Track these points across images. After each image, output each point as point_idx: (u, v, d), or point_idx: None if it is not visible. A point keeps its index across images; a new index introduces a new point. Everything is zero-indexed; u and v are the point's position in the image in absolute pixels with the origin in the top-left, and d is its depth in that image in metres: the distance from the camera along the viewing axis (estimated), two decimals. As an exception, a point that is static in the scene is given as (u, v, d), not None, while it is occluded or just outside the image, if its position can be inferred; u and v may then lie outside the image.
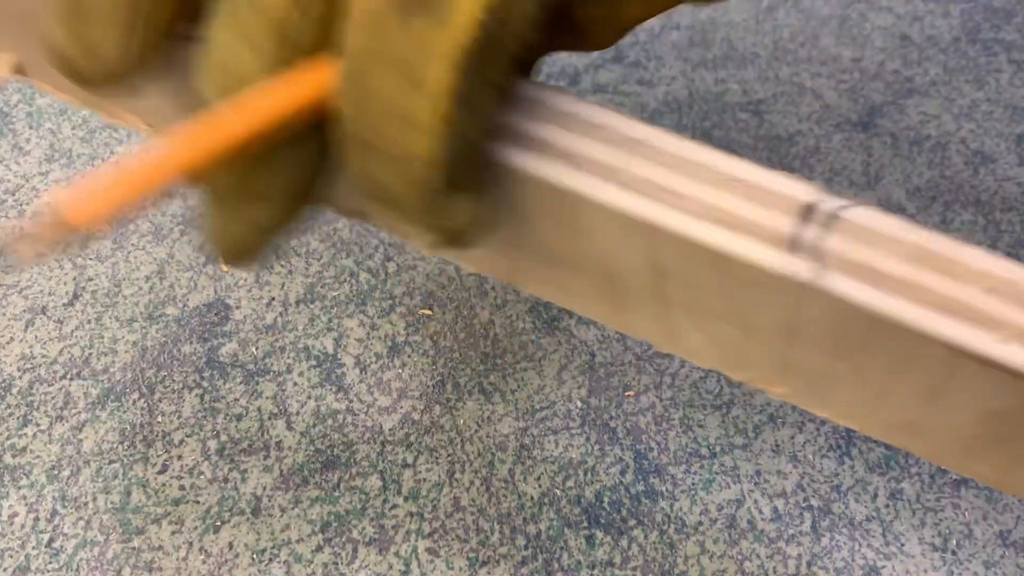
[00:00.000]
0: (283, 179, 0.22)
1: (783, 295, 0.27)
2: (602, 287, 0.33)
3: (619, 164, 0.26)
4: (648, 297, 0.32)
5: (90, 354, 0.43)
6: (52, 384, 0.42)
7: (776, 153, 0.51)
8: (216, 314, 0.44)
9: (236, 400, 0.42)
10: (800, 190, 0.25)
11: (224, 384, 0.42)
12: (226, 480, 0.39)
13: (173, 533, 0.38)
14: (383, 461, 0.40)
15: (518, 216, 0.30)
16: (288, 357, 0.43)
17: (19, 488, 0.39)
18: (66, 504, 0.39)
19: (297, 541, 0.38)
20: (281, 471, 0.39)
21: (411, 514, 0.38)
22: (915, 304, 0.24)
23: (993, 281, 0.23)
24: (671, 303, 0.32)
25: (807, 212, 0.25)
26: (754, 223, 0.25)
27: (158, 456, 0.40)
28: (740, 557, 0.37)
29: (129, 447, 0.40)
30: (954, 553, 0.38)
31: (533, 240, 0.32)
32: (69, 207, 0.22)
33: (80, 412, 0.41)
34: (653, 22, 0.58)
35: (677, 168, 0.25)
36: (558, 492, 0.39)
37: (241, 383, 0.42)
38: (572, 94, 0.24)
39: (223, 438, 0.40)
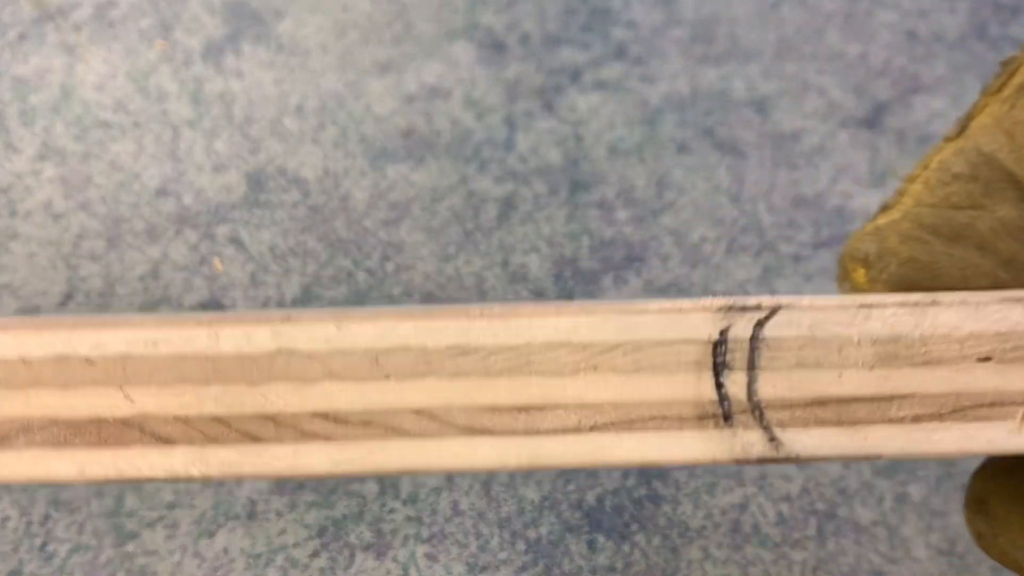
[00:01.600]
0: None
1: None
2: None
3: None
4: None
5: (83, 355, 0.43)
6: (45, 386, 0.42)
7: (780, 151, 0.51)
8: (211, 315, 0.44)
9: (231, 402, 0.41)
10: (701, 325, 0.17)
11: (219, 386, 0.42)
12: (221, 484, 0.39)
13: (167, 538, 0.37)
14: (381, 464, 0.39)
15: None
16: (284, 358, 0.42)
17: (11, 492, 0.39)
18: (59, 508, 0.38)
19: (293, 546, 0.37)
20: (277, 475, 0.39)
21: (409, 518, 0.38)
22: (918, 429, 0.17)
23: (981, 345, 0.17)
24: None
25: (717, 353, 0.17)
26: (660, 404, 0.17)
27: (152, 459, 0.40)
28: (744, 562, 0.37)
29: (123, 450, 0.40)
30: (961, 557, 0.37)
31: None
32: None
33: (73, 414, 0.41)
34: (655, 17, 0.58)
35: (532, 364, 0.17)
36: (559, 496, 0.39)
37: (237, 385, 0.42)
38: None
39: (218, 441, 0.40)
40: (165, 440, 0.16)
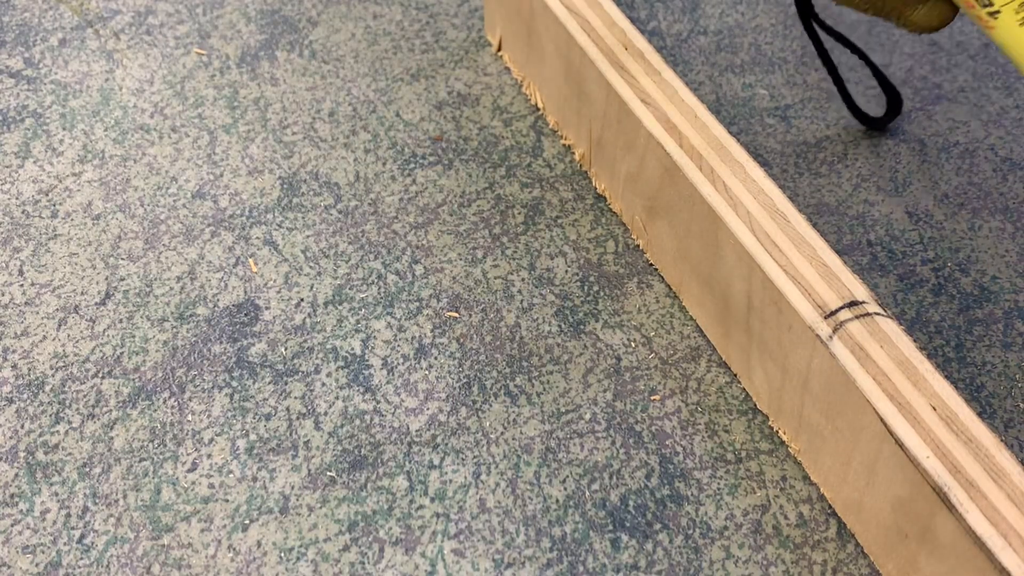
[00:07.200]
0: None
1: (806, 344, 0.36)
2: (720, 311, 0.42)
3: (755, 213, 0.38)
4: (742, 327, 0.40)
5: (121, 353, 0.44)
6: (84, 382, 0.43)
7: (804, 159, 0.51)
8: (246, 315, 0.45)
9: (265, 400, 0.42)
10: (859, 290, 0.36)
11: (253, 384, 0.43)
12: (255, 479, 0.40)
13: (202, 531, 0.38)
14: (410, 462, 0.40)
15: (683, 231, 0.43)
16: (316, 358, 0.43)
17: (51, 485, 0.40)
18: (97, 501, 0.39)
19: (324, 540, 0.38)
20: (309, 471, 0.40)
21: (437, 515, 0.39)
22: (877, 385, 0.33)
23: (939, 402, 0.33)
24: (752, 335, 0.40)
25: (852, 304, 0.35)
26: (816, 291, 0.36)
27: (188, 455, 0.40)
28: (765, 563, 0.37)
29: (159, 445, 0.41)
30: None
31: (691, 256, 0.43)
32: None
33: (111, 410, 0.42)
34: (680, 27, 0.58)
35: (787, 232, 0.38)
36: (584, 495, 0.39)
37: (270, 383, 0.43)
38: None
39: (252, 437, 0.41)
40: None
